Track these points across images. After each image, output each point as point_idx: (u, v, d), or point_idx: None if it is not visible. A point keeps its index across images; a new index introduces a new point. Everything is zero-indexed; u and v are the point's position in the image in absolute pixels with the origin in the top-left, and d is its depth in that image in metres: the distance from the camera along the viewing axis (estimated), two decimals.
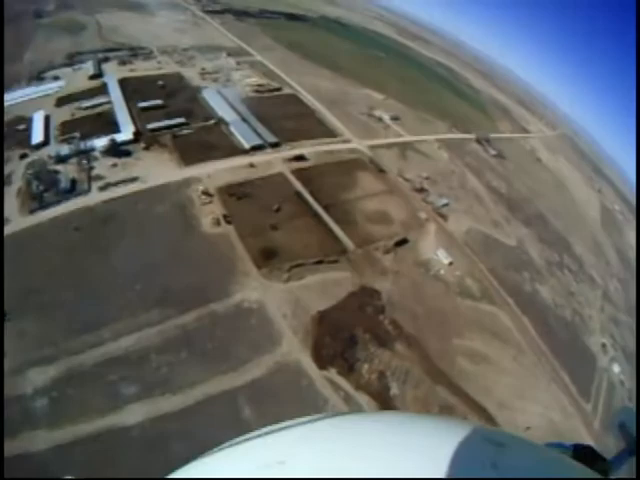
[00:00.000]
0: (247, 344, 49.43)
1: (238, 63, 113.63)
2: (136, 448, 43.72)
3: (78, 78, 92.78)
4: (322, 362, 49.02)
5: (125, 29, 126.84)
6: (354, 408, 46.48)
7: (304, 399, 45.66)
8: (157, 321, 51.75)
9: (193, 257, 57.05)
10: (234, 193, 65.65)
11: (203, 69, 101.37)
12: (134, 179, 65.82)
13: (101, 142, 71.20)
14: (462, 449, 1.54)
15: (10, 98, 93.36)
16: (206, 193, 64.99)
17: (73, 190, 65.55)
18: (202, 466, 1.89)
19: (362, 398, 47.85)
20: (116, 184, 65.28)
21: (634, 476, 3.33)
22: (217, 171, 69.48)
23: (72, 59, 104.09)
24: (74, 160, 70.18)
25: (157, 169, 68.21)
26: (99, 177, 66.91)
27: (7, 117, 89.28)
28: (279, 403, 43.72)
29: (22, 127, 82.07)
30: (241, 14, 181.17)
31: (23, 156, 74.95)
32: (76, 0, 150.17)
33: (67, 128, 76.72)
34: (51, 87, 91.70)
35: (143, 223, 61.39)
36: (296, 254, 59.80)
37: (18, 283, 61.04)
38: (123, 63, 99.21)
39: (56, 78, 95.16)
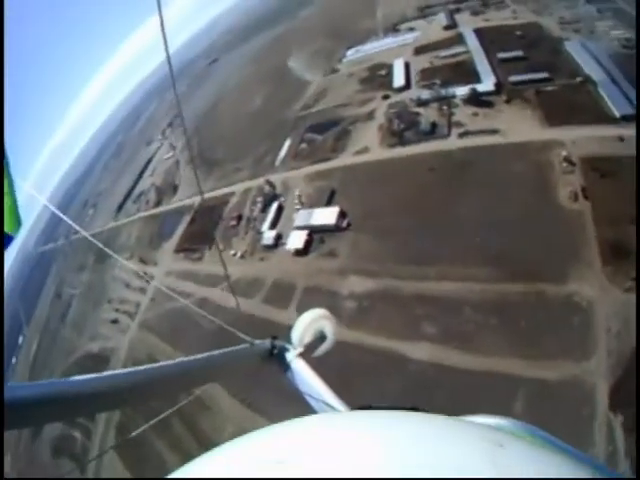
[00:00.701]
0: (558, 341, 42.64)
1: (599, 11, 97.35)
2: (403, 381, 44.73)
3: (432, 29, 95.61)
4: (615, 404, 38.30)
5: None
6: None
7: (576, 426, 36.35)
8: (483, 279, 49.89)
9: (541, 227, 51.47)
10: (598, 168, 55.97)
11: (562, 18, 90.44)
12: (494, 131, 63.60)
13: (462, 90, 71.23)
14: (461, 449, 1.55)
15: (370, 47, 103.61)
16: (568, 161, 57.30)
17: (433, 132, 68.20)
18: (201, 466, 1.84)
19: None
20: (475, 133, 64.57)
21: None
22: (582, 138, 60.44)
23: (423, 12, 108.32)
24: (434, 105, 72.71)
25: (518, 125, 63.92)
26: (459, 124, 67.48)
27: (368, 63, 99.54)
28: (550, 414, 35.60)
29: (383, 72, 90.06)
30: None
31: (385, 97, 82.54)
32: None
33: (427, 75, 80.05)
34: (407, 38, 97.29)
35: (498, 177, 58.93)
36: None
37: (360, 207, 68.77)
38: (475, 13, 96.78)
39: (411, 29, 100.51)
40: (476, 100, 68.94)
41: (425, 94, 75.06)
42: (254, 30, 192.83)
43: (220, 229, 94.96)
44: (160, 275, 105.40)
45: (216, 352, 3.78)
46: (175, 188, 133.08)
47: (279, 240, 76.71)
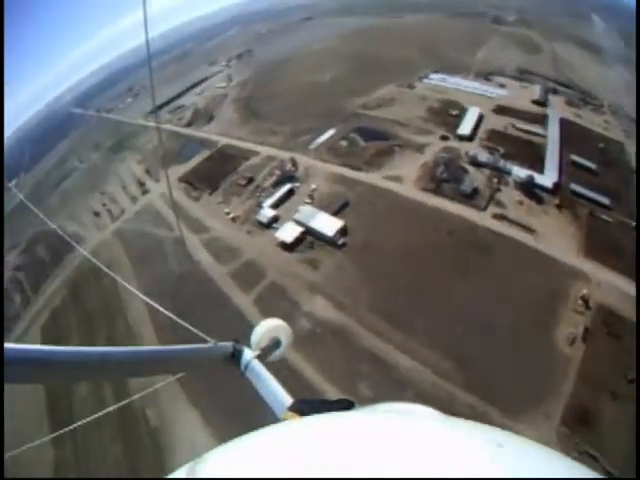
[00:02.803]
0: None
1: None
2: None
3: (522, 96, 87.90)
4: None
5: (580, 69, 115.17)
6: None
7: None
8: (441, 374, 44.71)
9: (524, 355, 44.65)
10: (609, 324, 47.97)
11: None
12: (530, 230, 57.06)
13: (519, 172, 64.48)
14: (460, 449, 1.53)
15: (455, 82, 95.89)
16: (585, 301, 49.81)
17: (470, 198, 61.90)
18: (201, 466, 1.75)
19: None
20: (511, 222, 58.20)
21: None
22: (609, 285, 53.42)
23: (521, 75, 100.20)
24: (486, 171, 66.16)
25: (556, 237, 57.03)
26: (500, 203, 61.13)
27: (445, 96, 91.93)
28: None
29: (454, 112, 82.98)
30: None
31: (444, 138, 75.74)
32: (536, 21, 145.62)
33: (494, 138, 73.23)
34: (494, 92, 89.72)
35: (510, 278, 52.88)
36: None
37: (363, 234, 62.84)
38: (570, 104, 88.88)
39: (501, 86, 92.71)
40: (528, 189, 62.30)
41: (483, 156, 68.28)
42: (360, 9, 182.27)
43: (227, 181, 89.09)
44: (155, 194, 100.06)
45: (178, 347, 3.62)
46: (211, 118, 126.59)
47: (274, 222, 70.94)
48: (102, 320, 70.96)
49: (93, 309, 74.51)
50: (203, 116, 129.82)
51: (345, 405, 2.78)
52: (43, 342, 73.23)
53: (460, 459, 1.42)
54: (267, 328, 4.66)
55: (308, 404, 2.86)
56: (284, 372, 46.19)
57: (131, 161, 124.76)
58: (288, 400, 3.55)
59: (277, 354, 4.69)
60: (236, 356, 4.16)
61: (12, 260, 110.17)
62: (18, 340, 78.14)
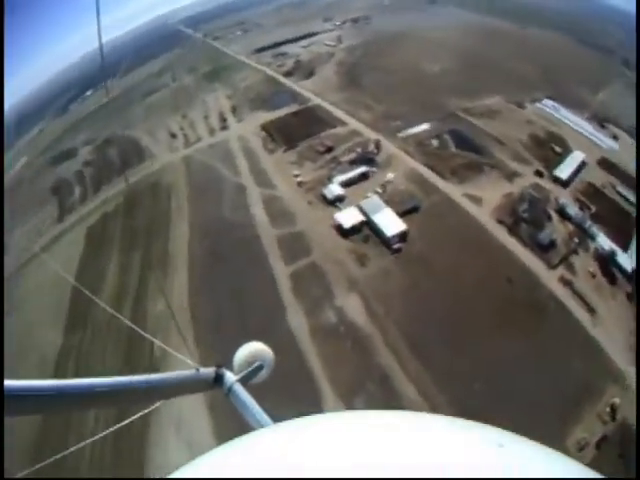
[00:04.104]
0: None
1: None
2: None
3: (633, 155, 75.32)
4: None
5: None
6: None
7: None
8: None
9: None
10: (626, 446, 37.63)
11: None
12: (591, 309, 48.89)
13: (604, 242, 56.34)
14: (461, 449, 1.53)
15: (567, 116, 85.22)
16: (613, 411, 41.03)
17: (544, 249, 54.91)
18: (201, 466, 1.86)
19: None
20: (575, 291, 50.62)
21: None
22: None
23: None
24: (569, 226, 58.54)
25: (614, 327, 48.00)
26: (571, 267, 53.74)
27: (551, 128, 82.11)
28: None
29: (557, 149, 74.07)
30: None
31: (538, 173, 67.63)
32: None
33: (590, 194, 64.81)
34: (605, 141, 78.80)
35: (547, 349, 45.53)
36: None
37: (417, 248, 57.62)
38: None
39: (614, 137, 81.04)
40: (606, 264, 54.16)
41: (572, 209, 60.16)
42: (487, 8, 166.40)
43: (306, 143, 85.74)
44: (234, 133, 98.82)
45: (164, 375, 3.76)
46: (310, 74, 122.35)
47: (337, 201, 67.30)
48: (144, 239, 71.60)
49: (139, 226, 75.30)
50: (304, 70, 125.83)
51: None
52: (84, 245, 75.42)
53: (461, 459, 1.42)
54: (249, 352, 4.66)
55: None
56: (292, 355, 44.38)
57: (221, 94, 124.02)
58: (269, 423, 3.54)
59: (261, 376, 4.67)
60: (219, 380, 4.20)
61: (83, 155, 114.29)
62: (61, 235, 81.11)
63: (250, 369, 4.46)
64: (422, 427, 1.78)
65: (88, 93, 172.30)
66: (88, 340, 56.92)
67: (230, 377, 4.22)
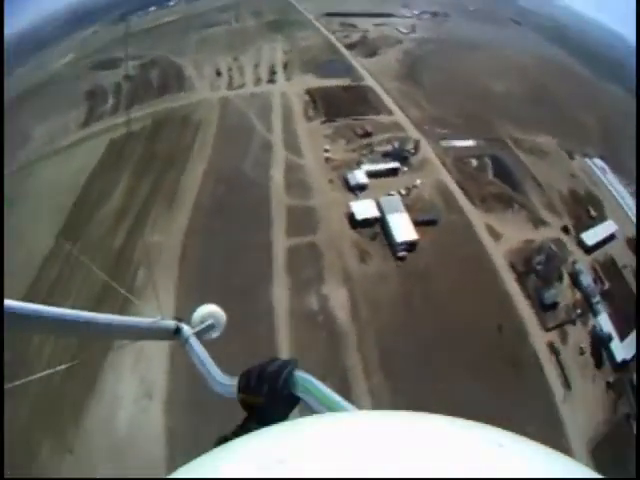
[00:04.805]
0: None
1: None
2: None
3: None
4: None
5: None
6: None
7: None
8: None
9: None
10: None
11: None
12: (568, 385, 46.14)
13: (605, 323, 52.58)
14: (460, 449, 1.50)
15: (611, 181, 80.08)
16: None
17: (544, 308, 52.16)
18: (201, 466, 1.71)
19: None
20: (559, 362, 47.87)
21: None
22: None
23: None
24: (577, 294, 55.52)
25: (580, 412, 44.29)
26: (564, 334, 50.66)
27: (591, 187, 77.26)
28: None
29: (592, 213, 69.73)
30: None
31: (565, 230, 63.64)
32: None
33: (608, 269, 59.68)
34: None
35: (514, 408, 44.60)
36: None
37: (416, 266, 55.68)
38: None
39: None
40: (599, 346, 50.93)
41: (586, 278, 56.13)
42: (563, 42, 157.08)
43: (346, 121, 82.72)
44: (278, 89, 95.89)
45: (129, 318, 3.90)
46: (373, 54, 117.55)
47: (358, 190, 64.99)
48: (158, 169, 70.01)
49: (159, 153, 73.69)
50: (367, 47, 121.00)
51: (288, 366, 2.88)
52: (101, 157, 74.14)
53: (460, 459, 1.41)
54: (207, 312, 4.93)
55: (253, 377, 2.86)
56: (263, 326, 43.46)
57: (278, 46, 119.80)
58: (219, 375, 3.68)
59: (212, 335, 4.93)
60: (178, 332, 4.44)
61: (127, 68, 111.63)
62: (82, 140, 79.83)
63: (203, 326, 4.63)
64: (421, 427, 1.71)
65: (151, 9, 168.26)
66: (76, 252, 56.20)
67: (187, 330, 4.41)
